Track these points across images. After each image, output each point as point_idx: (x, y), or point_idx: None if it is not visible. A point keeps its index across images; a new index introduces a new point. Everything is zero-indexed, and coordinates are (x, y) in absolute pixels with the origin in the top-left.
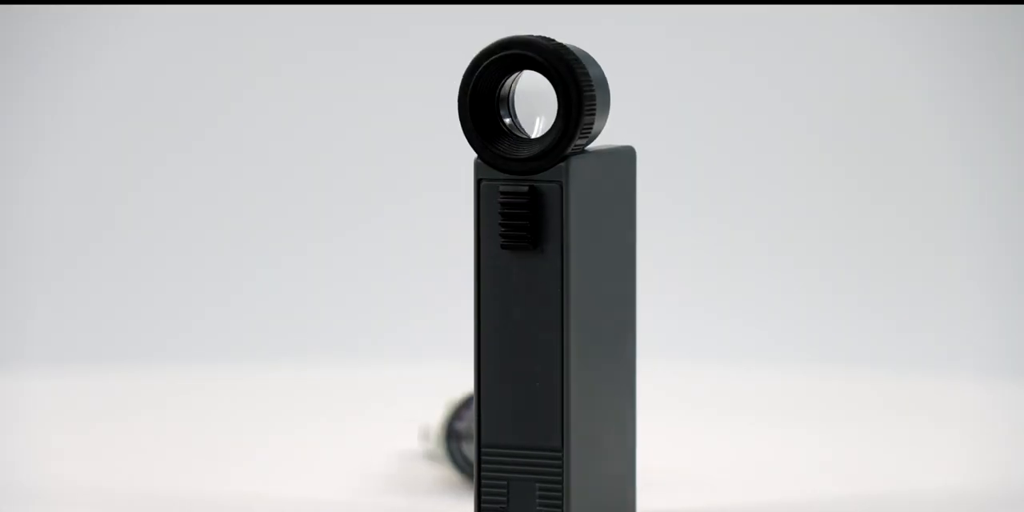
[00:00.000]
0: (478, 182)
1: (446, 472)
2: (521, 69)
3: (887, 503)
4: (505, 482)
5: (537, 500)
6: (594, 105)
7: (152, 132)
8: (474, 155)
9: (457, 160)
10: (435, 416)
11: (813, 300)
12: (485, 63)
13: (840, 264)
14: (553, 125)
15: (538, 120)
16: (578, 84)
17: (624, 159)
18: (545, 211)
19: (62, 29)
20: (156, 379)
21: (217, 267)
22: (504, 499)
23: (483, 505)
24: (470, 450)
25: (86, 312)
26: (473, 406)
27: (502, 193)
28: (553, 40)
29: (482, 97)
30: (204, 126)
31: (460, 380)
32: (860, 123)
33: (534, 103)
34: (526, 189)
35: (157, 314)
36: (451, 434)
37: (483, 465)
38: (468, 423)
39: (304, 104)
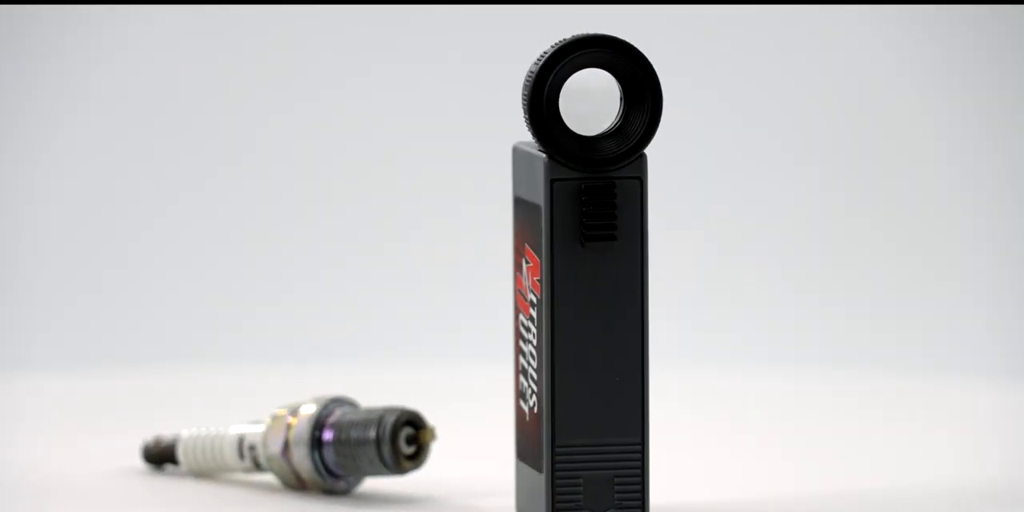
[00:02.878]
0: (551, 182)
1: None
2: (592, 67)
3: (887, 501)
4: (580, 479)
5: (615, 494)
6: None
7: (159, 134)
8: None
9: (456, 162)
10: (235, 429)
11: (811, 303)
12: (563, 62)
13: (838, 265)
14: (629, 122)
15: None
16: (658, 81)
17: None
18: (627, 204)
19: (65, 31)
20: (159, 380)
21: (217, 269)
22: (579, 497)
23: (557, 505)
24: (343, 458)
25: (87, 314)
26: (341, 414)
27: (586, 189)
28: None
29: (555, 97)
30: (211, 129)
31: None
32: (857, 127)
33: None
34: (612, 184)
35: (160, 316)
36: (314, 443)
37: (556, 465)
38: (340, 430)
39: (305, 103)
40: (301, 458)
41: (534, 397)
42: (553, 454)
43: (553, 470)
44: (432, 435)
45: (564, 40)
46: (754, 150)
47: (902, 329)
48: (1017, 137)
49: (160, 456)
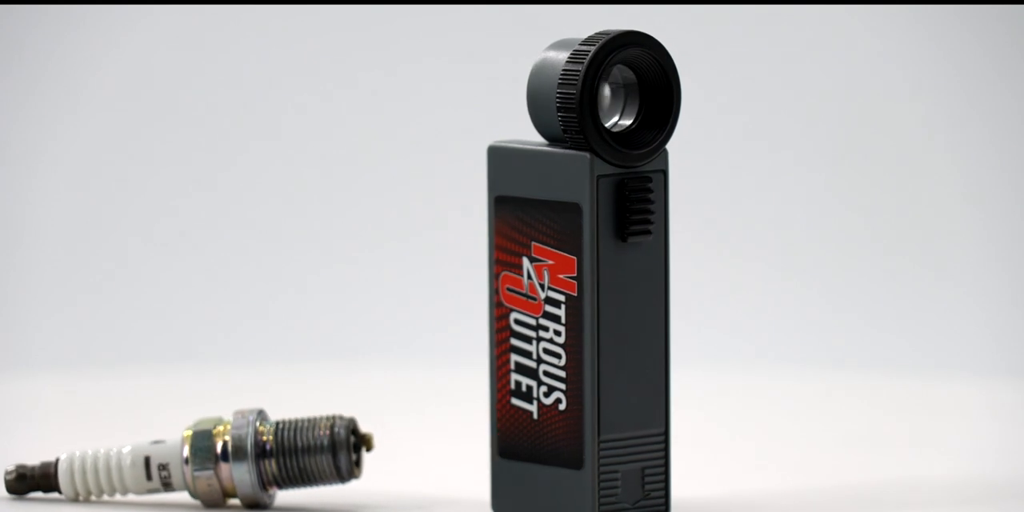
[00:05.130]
0: (596, 179)
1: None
2: (625, 64)
3: (888, 497)
4: (618, 473)
5: (644, 485)
6: None
7: (158, 135)
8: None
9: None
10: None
11: (809, 302)
12: (608, 60)
13: (841, 265)
14: (655, 113)
15: None
16: (678, 76)
17: None
18: (656, 199)
19: (61, 31)
20: (158, 380)
21: (215, 269)
22: (617, 491)
23: (602, 499)
24: (284, 469)
25: (87, 314)
26: (273, 425)
27: (630, 185)
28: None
29: (597, 94)
30: (206, 130)
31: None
32: (861, 126)
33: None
34: (648, 178)
35: (158, 316)
36: (261, 454)
37: (602, 459)
38: (282, 440)
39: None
40: (242, 472)
41: (556, 394)
42: (599, 449)
43: (599, 465)
44: (372, 443)
45: (600, 38)
46: (753, 149)
47: (902, 329)
48: (1022, 137)
49: (30, 485)
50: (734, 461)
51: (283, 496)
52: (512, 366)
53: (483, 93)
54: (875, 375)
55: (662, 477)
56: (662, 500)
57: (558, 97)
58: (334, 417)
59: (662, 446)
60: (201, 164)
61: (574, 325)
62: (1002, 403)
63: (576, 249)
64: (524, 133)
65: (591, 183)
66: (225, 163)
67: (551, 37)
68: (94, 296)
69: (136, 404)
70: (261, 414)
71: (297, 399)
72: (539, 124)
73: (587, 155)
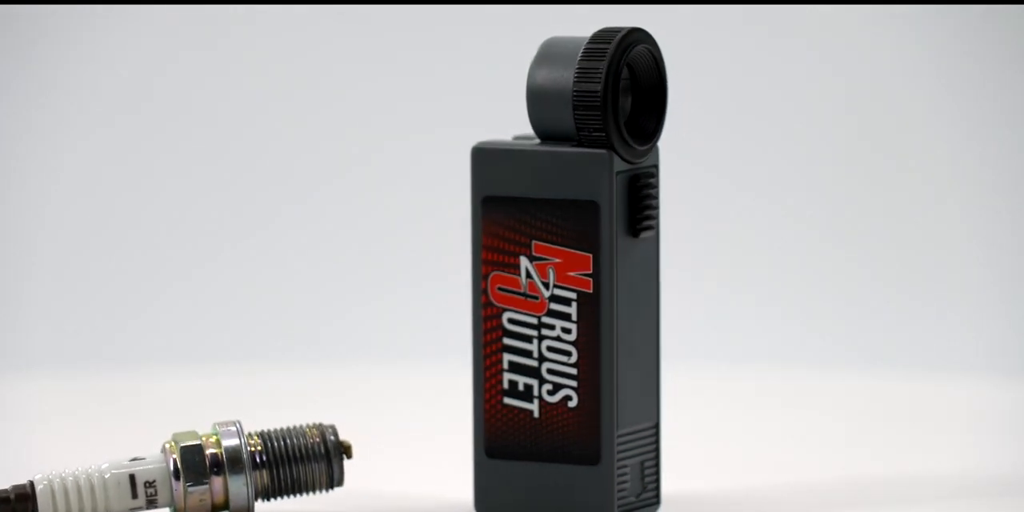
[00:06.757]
0: (615, 175)
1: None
2: (634, 59)
3: (882, 495)
4: (627, 467)
5: (644, 477)
6: None
7: (151, 134)
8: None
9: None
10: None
11: (819, 300)
12: (624, 56)
13: (846, 263)
14: (649, 111)
15: None
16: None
17: None
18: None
19: (57, 30)
20: (157, 381)
21: (210, 268)
22: (627, 484)
23: (619, 493)
24: (275, 479)
25: (87, 314)
26: (257, 433)
27: (643, 181)
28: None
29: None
30: (202, 129)
31: None
32: (865, 123)
33: None
34: (652, 173)
35: (153, 315)
36: (255, 465)
37: (619, 454)
38: (274, 449)
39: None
40: (239, 485)
41: (565, 391)
42: (616, 444)
43: (616, 460)
44: (352, 450)
45: (612, 35)
46: (749, 148)
47: (898, 328)
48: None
49: (5, 510)
50: (723, 457)
51: (262, 505)
52: (505, 366)
53: (455, 94)
54: (869, 373)
55: (655, 469)
56: (655, 492)
57: (576, 95)
58: (320, 424)
59: (654, 438)
60: (193, 165)
61: (588, 322)
62: (1000, 403)
63: (591, 246)
64: (494, 133)
65: (610, 180)
66: (213, 165)
67: (514, 40)
68: (93, 296)
69: (100, 409)
70: (239, 424)
71: (269, 403)
72: (543, 122)
73: (605, 152)
